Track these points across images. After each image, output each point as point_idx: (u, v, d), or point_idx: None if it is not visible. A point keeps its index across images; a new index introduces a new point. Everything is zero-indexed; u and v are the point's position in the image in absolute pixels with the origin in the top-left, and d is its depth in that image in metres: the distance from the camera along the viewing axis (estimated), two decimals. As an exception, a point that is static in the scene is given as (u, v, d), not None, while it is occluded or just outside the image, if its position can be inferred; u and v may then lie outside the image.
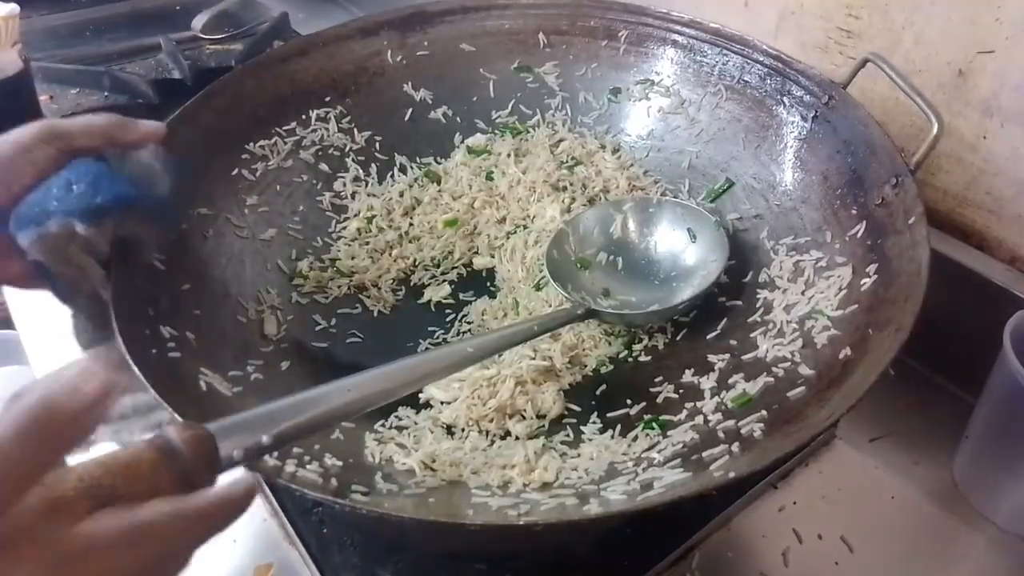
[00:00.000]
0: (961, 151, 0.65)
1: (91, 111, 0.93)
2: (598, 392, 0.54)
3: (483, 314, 0.60)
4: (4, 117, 0.75)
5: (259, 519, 0.52)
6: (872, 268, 0.50)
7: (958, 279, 0.62)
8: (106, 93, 1.00)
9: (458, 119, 0.73)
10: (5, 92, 0.75)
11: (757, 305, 0.56)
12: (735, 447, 0.42)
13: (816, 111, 0.60)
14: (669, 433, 0.47)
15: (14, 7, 0.80)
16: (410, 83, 0.72)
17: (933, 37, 0.63)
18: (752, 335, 0.53)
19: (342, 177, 0.68)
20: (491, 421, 0.50)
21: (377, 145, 0.70)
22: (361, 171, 0.69)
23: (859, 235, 0.53)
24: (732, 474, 0.39)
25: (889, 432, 0.61)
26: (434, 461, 0.45)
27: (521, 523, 0.38)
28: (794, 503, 0.55)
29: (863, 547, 0.52)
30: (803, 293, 0.54)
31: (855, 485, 0.57)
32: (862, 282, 0.50)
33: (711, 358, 0.53)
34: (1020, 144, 0.61)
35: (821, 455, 0.59)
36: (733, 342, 0.54)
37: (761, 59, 0.64)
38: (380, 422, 0.50)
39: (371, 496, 0.40)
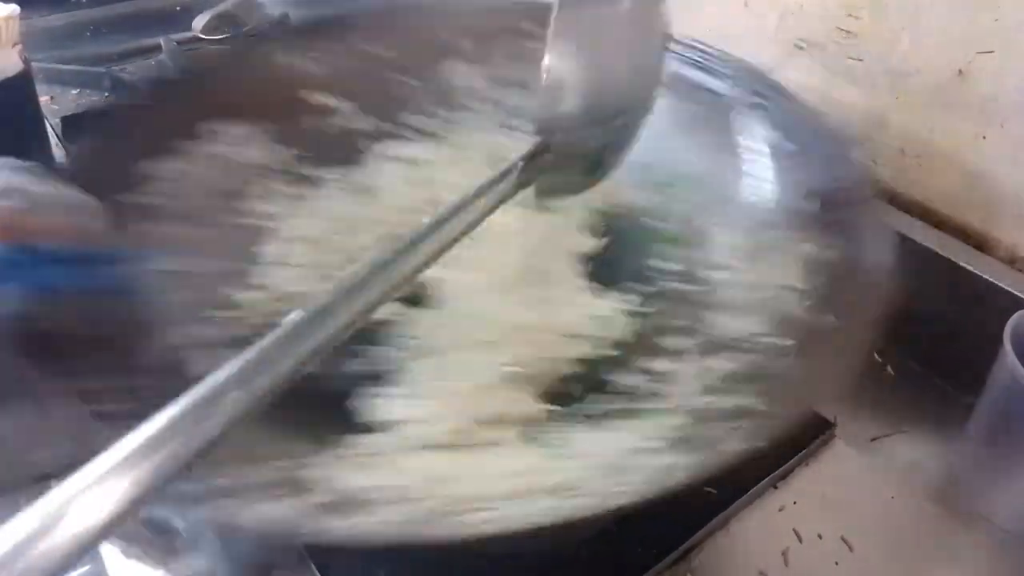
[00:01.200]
0: (961, 151, 0.65)
1: (91, 111, 0.93)
2: (574, 391, 0.53)
3: (432, 329, 0.57)
4: (4, 118, 0.75)
5: (259, 519, 0.52)
6: (830, 241, 0.51)
7: (958, 279, 0.62)
8: (106, 94, 1.00)
9: (382, 127, 0.68)
10: (5, 93, 0.75)
11: (719, 288, 0.56)
12: (733, 423, 0.42)
13: (757, 100, 0.60)
14: (656, 422, 0.47)
15: (14, 7, 0.80)
16: (327, 91, 0.67)
17: (932, 37, 0.63)
18: (718, 316, 0.53)
19: (261, 196, 0.62)
20: (467, 433, 0.49)
21: (300, 160, 0.65)
22: (285, 188, 0.63)
23: (813, 215, 0.53)
24: (742, 446, 0.38)
25: (889, 432, 0.61)
26: (411, 480, 0.44)
27: (508, 531, 0.37)
28: (794, 503, 0.55)
29: (863, 547, 0.52)
30: (764, 274, 0.54)
31: (855, 485, 0.57)
32: (824, 257, 0.50)
33: (680, 343, 0.53)
34: (1020, 144, 0.61)
35: (821, 455, 0.59)
36: (698, 325, 0.54)
37: (695, 53, 0.64)
38: (346, 450, 0.48)
39: (350, 523, 0.39)
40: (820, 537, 0.53)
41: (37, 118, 0.84)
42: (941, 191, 0.67)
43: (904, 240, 0.65)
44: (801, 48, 0.73)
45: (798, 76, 0.75)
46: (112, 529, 0.23)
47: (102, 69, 1.02)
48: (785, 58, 0.75)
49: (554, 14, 0.43)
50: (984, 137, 0.63)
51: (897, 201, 0.70)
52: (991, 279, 0.61)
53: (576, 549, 0.50)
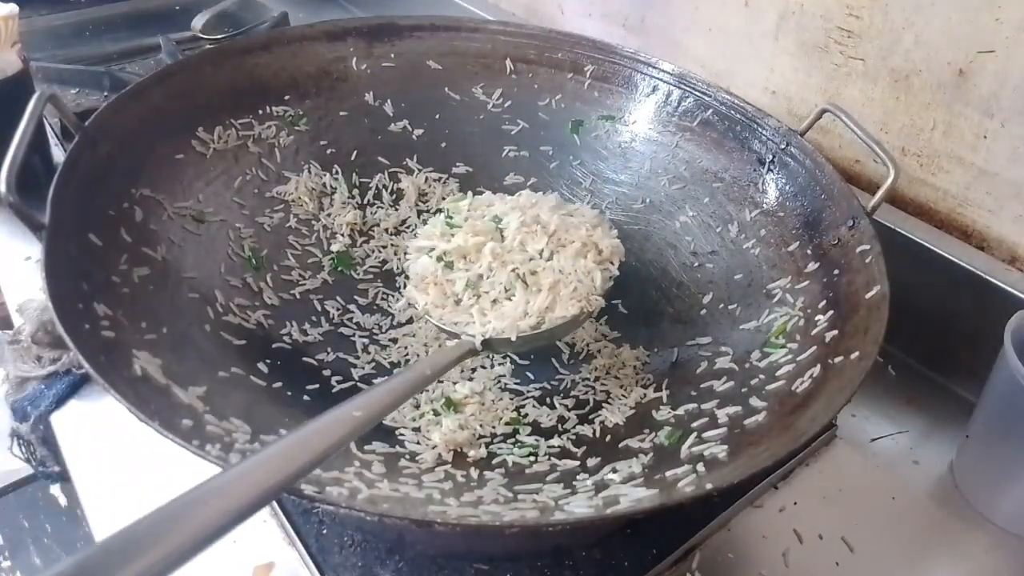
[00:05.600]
0: (961, 151, 0.65)
1: (90, 111, 0.93)
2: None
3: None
4: (4, 118, 0.75)
5: (259, 519, 0.52)
6: (825, 303, 0.51)
7: (958, 279, 0.62)
8: (106, 93, 1.00)
9: (416, 135, 0.71)
10: (4, 92, 0.75)
11: (708, 339, 0.56)
12: (700, 467, 0.42)
13: (773, 155, 0.61)
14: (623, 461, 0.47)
15: (14, 7, 0.80)
16: (372, 93, 0.70)
17: (933, 37, 0.63)
18: (703, 367, 0.54)
19: (291, 177, 0.66)
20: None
21: (333, 150, 0.69)
22: (309, 173, 0.67)
23: (814, 272, 0.54)
24: (709, 485, 0.39)
25: (889, 432, 0.61)
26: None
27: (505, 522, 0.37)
28: (795, 503, 0.55)
29: (863, 547, 0.53)
30: (756, 328, 0.54)
31: (855, 485, 0.57)
32: (816, 318, 0.51)
33: (664, 391, 0.54)
34: (1020, 144, 0.61)
35: (821, 455, 0.59)
36: (685, 373, 0.55)
37: (722, 105, 0.64)
38: None
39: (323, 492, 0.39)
40: (820, 537, 0.53)
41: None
42: (942, 190, 0.67)
43: (904, 240, 0.65)
44: (802, 47, 0.73)
45: (798, 76, 0.75)
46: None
47: (102, 68, 1.02)
48: (786, 57, 0.75)
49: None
50: (985, 136, 0.63)
51: (898, 200, 0.70)
52: (991, 279, 0.61)
53: (578, 549, 0.50)
